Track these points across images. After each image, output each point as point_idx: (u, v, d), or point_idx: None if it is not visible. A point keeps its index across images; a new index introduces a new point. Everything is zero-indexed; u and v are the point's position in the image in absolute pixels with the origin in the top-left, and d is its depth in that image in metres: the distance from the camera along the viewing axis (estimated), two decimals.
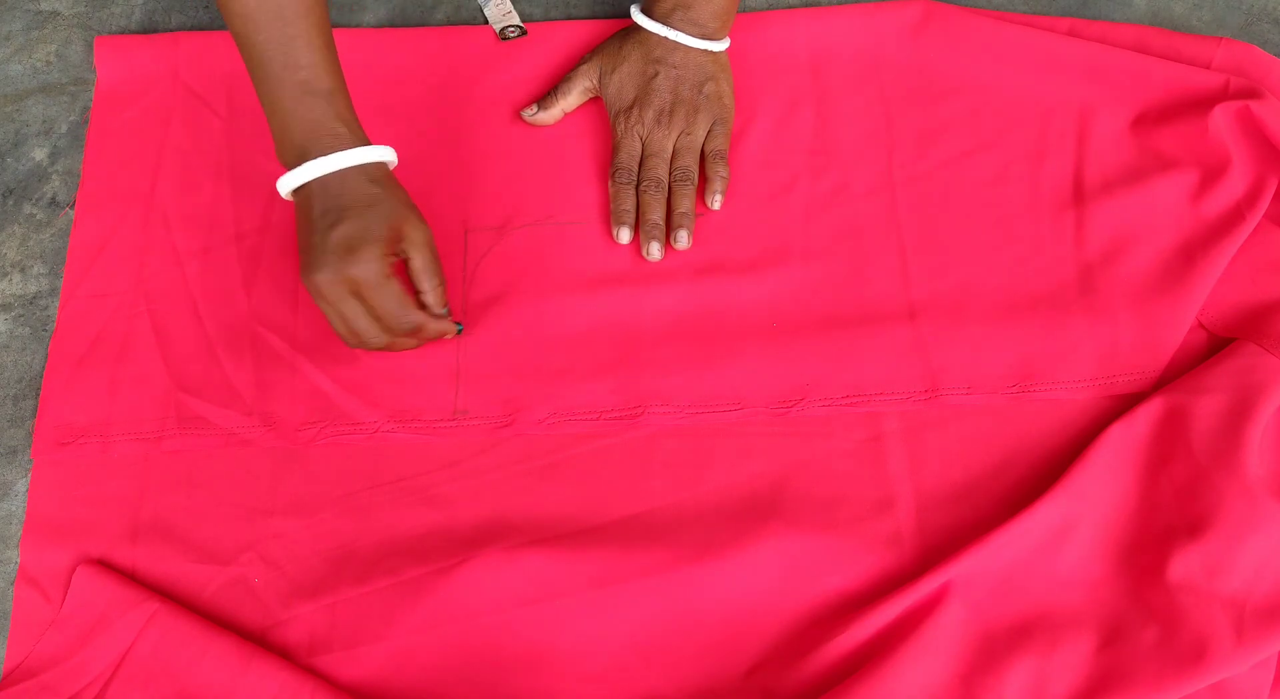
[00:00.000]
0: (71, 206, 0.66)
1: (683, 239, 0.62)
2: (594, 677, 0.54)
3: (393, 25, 0.70)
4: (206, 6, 0.71)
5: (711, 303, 0.61)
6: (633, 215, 0.62)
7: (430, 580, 0.55)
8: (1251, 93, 0.62)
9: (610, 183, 0.63)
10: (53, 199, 0.66)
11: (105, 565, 0.56)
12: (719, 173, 0.63)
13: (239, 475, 0.59)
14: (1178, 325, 0.59)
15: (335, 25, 0.69)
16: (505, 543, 0.56)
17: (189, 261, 0.63)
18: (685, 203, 0.62)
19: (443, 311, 0.57)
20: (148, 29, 0.70)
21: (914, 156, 0.65)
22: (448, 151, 0.66)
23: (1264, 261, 0.60)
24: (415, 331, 0.55)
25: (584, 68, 0.65)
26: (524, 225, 0.64)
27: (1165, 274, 0.60)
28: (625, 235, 0.62)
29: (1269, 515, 0.52)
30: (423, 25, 0.70)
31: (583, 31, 0.68)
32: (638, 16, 0.64)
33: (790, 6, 0.69)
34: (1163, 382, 0.58)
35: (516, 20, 0.69)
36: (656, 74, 0.63)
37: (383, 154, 0.56)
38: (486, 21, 0.69)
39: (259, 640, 0.55)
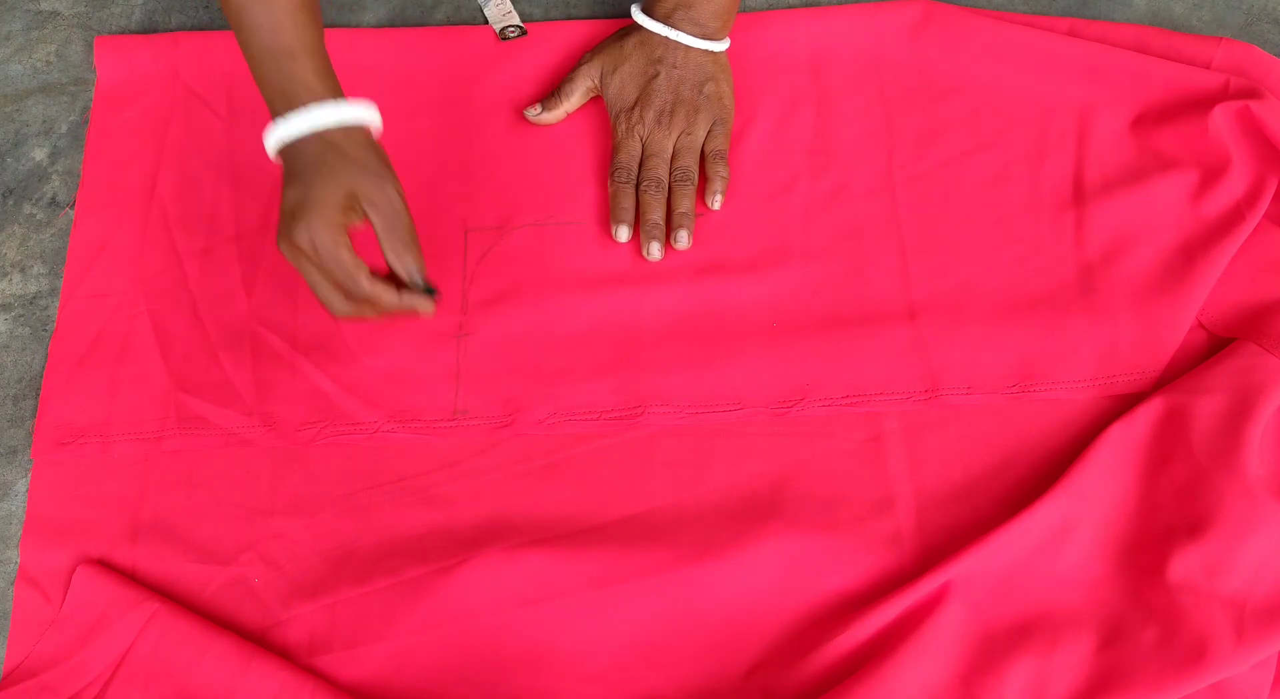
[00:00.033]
0: (71, 206, 0.66)
1: (683, 239, 0.62)
2: (594, 677, 0.54)
3: (393, 25, 0.70)
4: (206, 6, 0.71)
5: (711, 303, 0.61)
6: (632, 214, 0.62)
7: (430, 580, 0.55)
8: (1251, 93, 0.62)
9: (610, 182, 0.63)
10: (53, 199, 0.66)
11: (105, 565, 0.56)
12: (719, 173, 0.63)
13: (239, 475, 0.59)
14: (1178, 325, 0.59)
15: (335, 25, 0.70)
16: (505, 543, 0.56)
17: (189, 261, 0.63)
18: (685, 203, 0.62)
19: (412, 277, 0.53)
20: (148, 29, 0.70)
21: (914, 156, 0.65)
22: (448, 151, 0.66)
23: (1264, 261, 0.60)
24: (372, 302, 0.53)
25: (585, 68, 0.65)
26: (524, 225, 0.64)
27: (1165, 274, 0.60)
28: (624, 234, 0.62)
29: (1269, 515, 0.52)
30: (423, 25, 0.70)
31: (583, 31, 0.68)
32: (638, 16, 0.64)
33: (790, 6, 0.69)
34: (1163, 382, 0.58)
35: (516, 20, 0.69)
36: (657, 74, 0.63)
37: (348, 114, 0.53)
38: (486, 21, 0.69)
39: (259, 640, 0.55)
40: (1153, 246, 0.61)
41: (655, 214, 0.62)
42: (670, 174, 0.63)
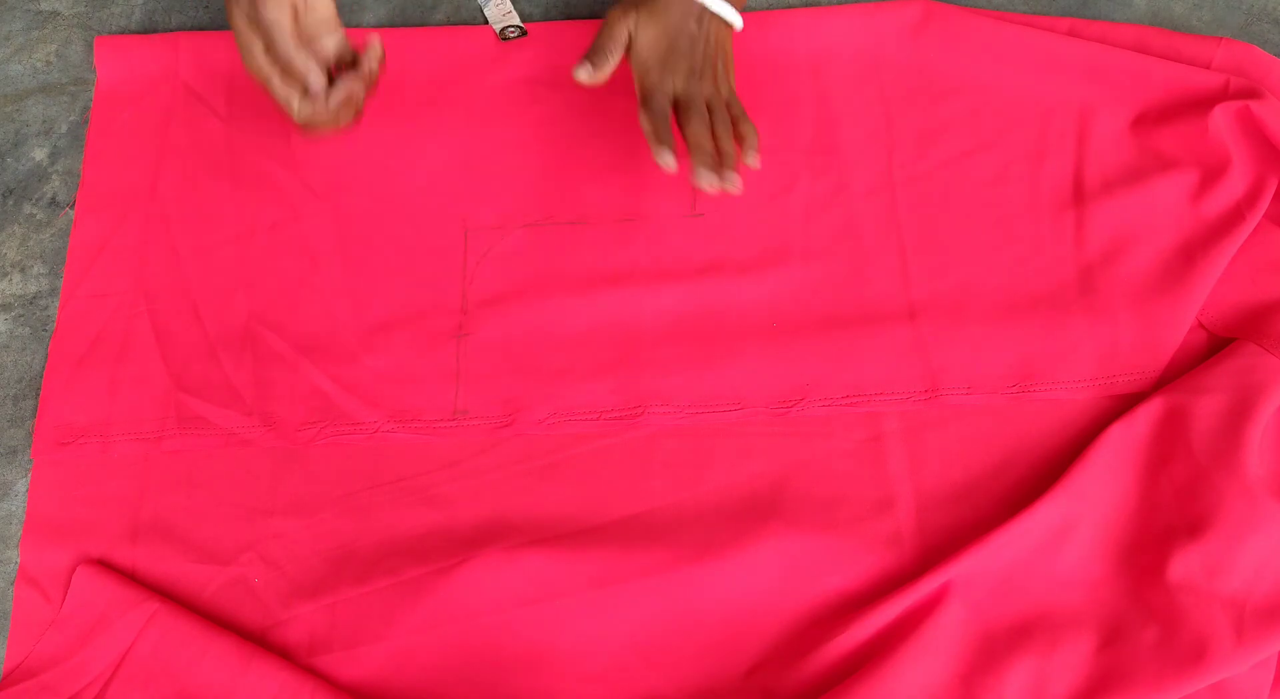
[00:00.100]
0: (71, 206, 0.66)
1: (752, 158, 0.58)
2: (594, 677, 0.54)
3: (393, 25, 0.70)
4: (206, 6, 0.71)
5: (711, 303, 0.61)
6: (673, 141, 0.58)
7: (430, 580, 0.55)
8: (1251, 93, 0.62)
9: (645, 120, 0.59)
10: (53, 199, 0.66)
11: (105, 565, 0.56)
12: (751, 129, 0.59)
13: (239, 475, 0.59)
14: (1178, 325, 0.59)
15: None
16: (505, 543, 0.56)
17: (189, 261, 0.63)
18: (728, 143, 0.58)
19: (333, 47, 0.58)
20: (148, 29, 0.70)
21: (914, 156, 0.65)
22: (448, 151, 0.66)
23: (1264, 261, 0.60)
24: (290, 71, 0.56)
25: (620, 19, 0.61)
26: (524, 225, 0.64)
27: (1165, 274, 0.60)
28: (669, 159, 0.57)
29: (1269, 515, 0.52)
30: (423, 25, 0.70)
31: (583, 31, 0.68)
32: None
33: (790, 6, 0.69)
34: (1163, 381, 0.58)
35: (516, 20, 0.69)
36: (692, 33, 0.61)
37: None
38: (486, 21, 0.69)
39: (259, 640, 0.55)
40: (1153, 246, 0.61)
41: (706, 142, 0.58)
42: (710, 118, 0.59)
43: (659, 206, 0.64)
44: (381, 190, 0.65)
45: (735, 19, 0.62)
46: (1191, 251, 0.61)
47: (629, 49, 0.62)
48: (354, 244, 0.64)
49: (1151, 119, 0.64)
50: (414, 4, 0.71)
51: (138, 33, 0.70)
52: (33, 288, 0.64)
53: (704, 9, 0.61)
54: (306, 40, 0.57)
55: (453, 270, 0.63)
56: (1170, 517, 0.54)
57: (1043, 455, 0.58)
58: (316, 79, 0.56)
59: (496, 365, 0.60)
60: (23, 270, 0.64)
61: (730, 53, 0.63)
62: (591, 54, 0.61)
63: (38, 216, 0.66)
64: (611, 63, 0.61)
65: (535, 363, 0.60)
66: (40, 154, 0.67)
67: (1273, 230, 0.61)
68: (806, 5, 0.69)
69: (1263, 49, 0.65)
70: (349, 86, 0.57)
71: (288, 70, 0.56)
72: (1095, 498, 0.55)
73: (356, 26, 0.70)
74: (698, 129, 0.58)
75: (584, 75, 0.61)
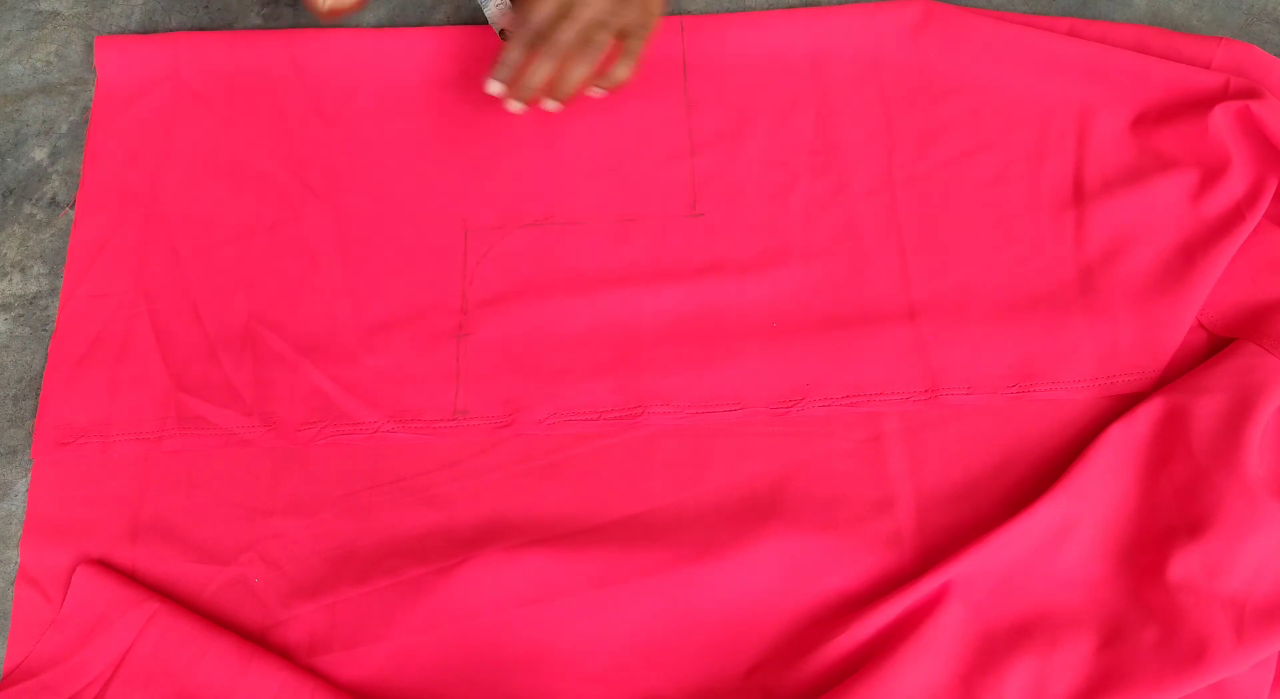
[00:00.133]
0: (71, 206, 0.66)
1: (550, 105, 0.59)
2: (594, 677, 0.54)
3: (393, 25, 0.70)
4: (206, 6, 0.71)
5: (711, 303, 0.61)
6: (512, 72, 0.58)
7: (430, 580, 0.55)
8: (1251, 93, 0.62)
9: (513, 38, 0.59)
10: (53, 199, 0.66)
11: (105, 565, 0.56)
12: (633, 48, 0.59)
13: (239, 475, 0.59)
14: (1178, 325, 0.59)
15: (335, 25, 0.69)
16: (505, 543, 0.56)
17: (189, 261, 0.63)
18: (580, 69, 0.58)
19: None
20: (148, 29, 0.70)
21: (914, 156, 0.65)
22: (448, 151, 0.66)
23: (1264, 261, 0.60)
24: None
25: None
26: (524, 225, 0.64)
27: (1165, 274, 0.60)
28: (494, 88, 0.59)
29: (1269, 515, 0.52)
30: (423, 25, 0.70)
31: None
32: None
33: (790, 6, 0.69)
34: (1163, 381, 0.59)
35: None
36: None
37: None
38: (486, 21, 0.69)
39: (259, 640, 0.55)
40: (1153, 246, 0.61)
41: (538, 77, 0.58)
42: (577, 39, 0.58)
43: (659, 206, 0.64)
44: (381, 190, 0.65)
45: None
46: (1191, 251, 0.61)
47: None
48: (354, 244, 0.64)
49: (1151, 119, 0.65)
50: (414, 4, 0.71)
51: (138, 33, 0.70)
52: (33, 288, 0.64)
53: None
54: None
55: (453, 270, 0.63)
56: (1170, 517, 0.54)
57: (1043, 455, 0.58)
58: None
59: (496, 365, 0.60)
60: (23, 270, 0.64)
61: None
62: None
63: (38, 216, 0.66)
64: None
65: (535, 363, 0.60)
66: (40, 154, 0.67)
67: (1273, 230, 0.61)
68: (806, 5, 0.69)
69: (1263, 49, 0.65)
70: None
71: None
72: (1095, 498, 0.55)
73: (357, 26, 0.70)
74: (544, 58, 0.58)
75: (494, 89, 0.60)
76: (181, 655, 0.53)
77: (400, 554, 0.56)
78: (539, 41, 0.58)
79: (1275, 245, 0.61)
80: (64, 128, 0.68)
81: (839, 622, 0.53)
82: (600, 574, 0.54)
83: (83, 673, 0.54)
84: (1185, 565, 0.52)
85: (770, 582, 0.55)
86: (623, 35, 0.60)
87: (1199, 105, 0.63)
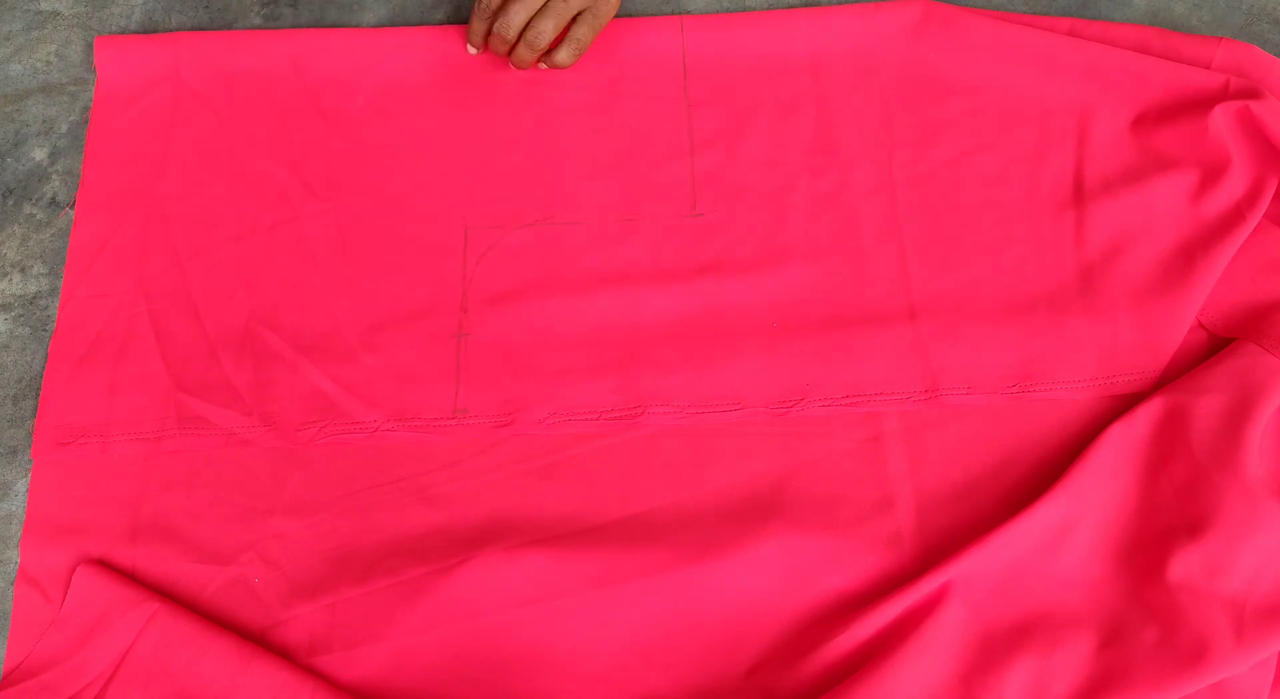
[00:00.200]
0: (71, 206, 0.66)
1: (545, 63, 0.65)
2: (594, 677, 0.54)
3: (393, 25, 0.70)
4: (206, 6, 0.71)
5: (711, 303, 0.61)
6: (483, 39, 0.65)
7: (430, 580, 0.55)
8: (1251, 93, 0.62)
9: (473, 13, 0.64)
10: (53, 199, 0.66)
11: (105, 565, 0.56)
12: (577, 35, 0.64)
13: (239, 475, 0.59)
14: (1178, 325, 0.59)
15: (335, 25, 0.70)
16: (505, 543, 0.56)
17: (189, 261, 0.63)
18: (523, 57, 0.64)
19: None
20: (148, 29, 0.70)
21: (914, 156, 0.65)
22: (448, 151, 0.66)
23: (1264, 261, 0.60)
24: None
25: None
26: (524, 225, 0.64)
27: (1165, 274, 0.60)
28: (472, 50, 0.66)
29: (1269, 515, 0.52)
30: (423, 25, 0.70)
31: None
32: None
33: (790, 6, 0.69)
34: (1163, 381, 0.59)
35: None
36: None
37: None
38: None
39: (259, 640, 0.55)
40: (1153, 246, 0.61)
41: (510, 37, 0.63)
42: (524, 30, 0.63)
43: (659, 206, 0.64)
44: (381, 190, 0.65)
45: None
46: (1191, 251, 0.61)
47: None
48: (354, 244, 0.64)
49: (1151, 119, 0.65)
50: (414, 4, 0.71)
51: (138, 33, 0.70)
52: (33, 288, 0.64)
53: None
54: None
55: (453, 270, 0.63)
56: (1170, 517, 0.54)
57: (1043, 455, 0.58)
58: None
59: (496, 365, 0.60)
60: (23, 270, 0.64)
61: None
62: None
63: (38, 216, 0.66)
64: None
65: (535, 363, 0.60)
66: (40, 154, 0.67)
67: (1273, 230, 0.61)
68: (806, 5, 0.69)
69: (1263, 49, 0.65)
70: None
71: None
72: (1095, 498, 0.55)
73: (356, 26, 0.70)
74: (497, 39, 0.63)
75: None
76: (181, 655, 0.53)
77: (400, 554, 0.56)
78: (490, 17, 0.63)
79: (1275, 245, 0.61)
80: (64, 128, 0.68)
81: (839, 622, 0.53)
82: (600, 574, 0.54)
83: (83, 673, 0.54)
84: (1185, 565, 0.52)
85: (770, 582, 0.55)
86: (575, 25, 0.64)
87: (1199, 105, 0.63)
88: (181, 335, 0.61)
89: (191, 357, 0.61)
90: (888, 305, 0.61)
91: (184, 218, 0.64)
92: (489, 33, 0.64)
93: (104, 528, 0.57)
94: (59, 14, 0.71)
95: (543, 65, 0.66)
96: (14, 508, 0.59)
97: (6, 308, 0.63)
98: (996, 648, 0.52)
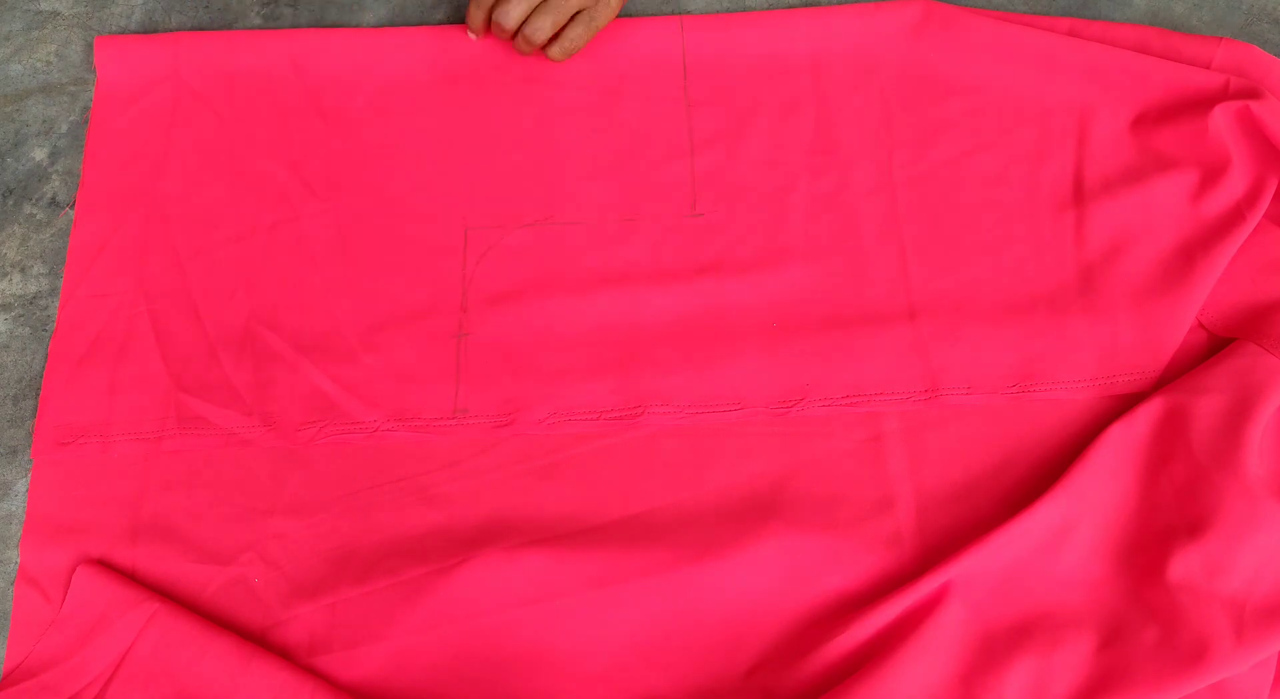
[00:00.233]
0: (71, 206, 0.66)
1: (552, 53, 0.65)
2: (594, 677, 0.54)
3: (393, 25, 0.70)
4: (206, 6, 0.71)
5: (711, 303, 0.61)
6: (484, 27, 0.65)
7: (430, 580, 0.55)
8: (1251, 93, 0.62)
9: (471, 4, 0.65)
10: (53, 199, 0.66)
11: (105, 565, 0.56)
12: (572, 34, 0.64)
13: (239, 475, 0.59)
14: (1178, 325, 0.59)
15: (335, 25, 0.70)
16: (505, 543, 0.56)
17: (189, 261, 0.63)
18: (524, 48, 0.65)
19: None
20: (148, 29, 0.70)
21: (914, 156, 0.65)
22: (448, 151, 0.66)
23: (1264, 261, 0.60)
24: None
25: None
26: (524, 225, 0.64)
27: (1165, 274, 0.60)
28: (473, 36, 0.66)
29: (1269, 515, 0.52)
30: (423, 25, 0.70)
31: None
32: None
33: (790, 6, 0.69)
34: (1163, 381, 0.59)
35: None
36: None
37: None
38: None
39: (259, 640, 0.55)
40: (1153, 246, 0.61)
41: (511, 26, 0.63)
42: (523, 25, 0.64)
43: (659, 206, 0.64)
44: (381, 190, 0.65)
45: None
46: (1191, 251, 0.61)
47: None
48: (354, 244, 0.64)
49: (1151, 119, 0.65)
50: (414, 4, 0.71)
51: (138, 33, 0.70)
52: (33, 288, 0.64)
53: None
54: None
55: (453, 270, 0.63)
56: (1170, 517, 0.54)
57: (1043, 455, 0.58)
58: None
59: (496, 365, 0.60)
60: (23, 270, 0.64)
61: None
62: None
63: (38, 216, 0.66)
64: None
65: (535, 363, 0.60)
66: (40, 154, 0.67)
67: (1273, 230, 0.61)
68: (806, 5, 0.69)
69: (1263, 49, 0.65)
70: None
71: None
72: (1095, 498, 0.55)
73: (356, 26, 0.70)
74: (498, 30, 0.64)
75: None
76: (181, 655, 0.53)
77: (400, 554, 0.56)
78: (489, 6, 0.64)
79: (1275, 245, 0.61)
80: (64, 128, 0.68)
81: (839, 622, 0.53)
82: (600, 574, 0.54)
83: (83, 673, 0.54)
84: (1185, 565, 0.52)
85: (770, 582, 0.55)
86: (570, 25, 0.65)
87: (1199, 105, 0.63)
88: (181, 335, 0.61)
89: (191, 356, 0.61)
90: (888, 305, 0.61)
91: (184, 218, 0.64)
92: (488, 20, 0.64)
93: (104, 528, 0.57)
94: (59, 14, 0.71)
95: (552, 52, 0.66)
96: (14, 508, 0.59)
97: (6, 308, 0.63)
98: (996, 648, 0.52)
